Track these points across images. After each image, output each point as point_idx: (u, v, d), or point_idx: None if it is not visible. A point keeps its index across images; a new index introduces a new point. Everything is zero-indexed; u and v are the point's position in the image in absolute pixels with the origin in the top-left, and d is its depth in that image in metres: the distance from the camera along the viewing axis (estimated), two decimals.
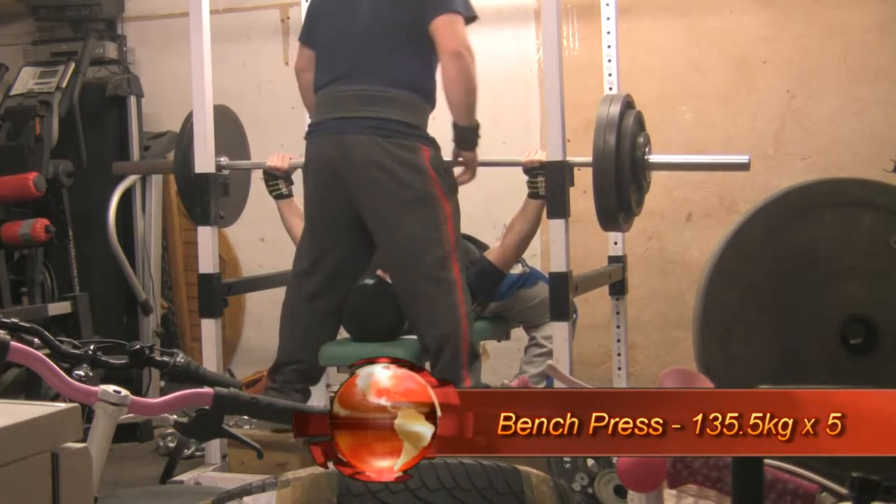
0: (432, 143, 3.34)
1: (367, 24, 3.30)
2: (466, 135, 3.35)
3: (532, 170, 3.42)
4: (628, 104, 3.35)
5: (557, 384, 2.75)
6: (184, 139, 3.79)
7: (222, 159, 3.75)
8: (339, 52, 3.35)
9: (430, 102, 3.38)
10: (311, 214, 3.44)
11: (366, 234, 3.36)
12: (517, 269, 3.86)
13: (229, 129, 3.99)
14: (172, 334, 5.09)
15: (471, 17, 3.32)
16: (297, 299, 3.45)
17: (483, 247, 3.87)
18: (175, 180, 3.81)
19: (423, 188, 3.26)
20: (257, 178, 4.27)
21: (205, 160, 3.63)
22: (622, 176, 3.21)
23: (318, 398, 4.10)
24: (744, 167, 3.34)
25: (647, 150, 3.34)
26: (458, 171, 3.46)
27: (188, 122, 3.74)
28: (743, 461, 1.02)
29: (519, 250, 3.63)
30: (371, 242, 3.39)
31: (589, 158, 3.24)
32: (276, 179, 3.72)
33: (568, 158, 3.23)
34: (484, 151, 4.56)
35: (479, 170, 3.49)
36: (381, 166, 3.23)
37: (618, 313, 4.02)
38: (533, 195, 3.47)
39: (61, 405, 1.22)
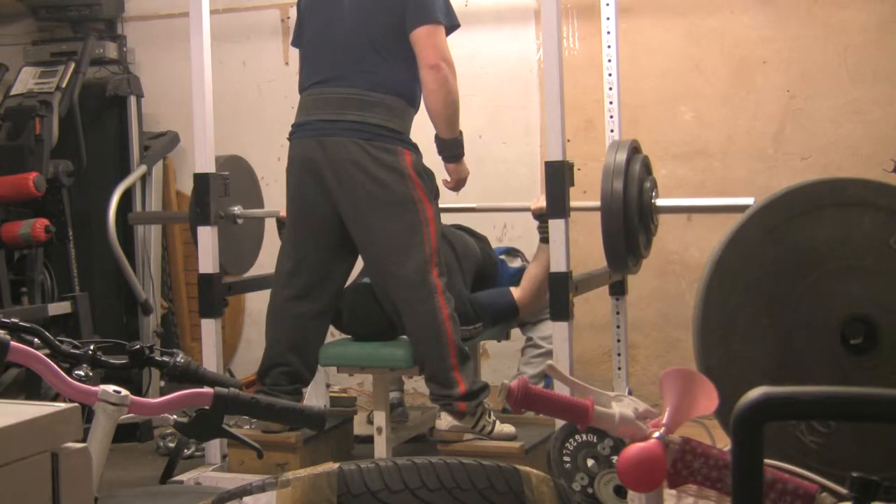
0: (414, 147, 3.34)
1: (352, 27, 3.30)
2: (448, 147, 3.36)
3: (542, 215, 3.44)
4: (635, 149, 3.39)
5: (557, 385, 2.75)
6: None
7: (236, 209, 3.79)
8: (324, 53, 3.35)
9: (414, 106, 3.38)
10: (293, 215, 3.43)
11: (348, 235, 3.35)
12: (517, 264, 3.87)
13: (243, 179, 4.01)
14: (172, 334, 5.09)
15: (453, 26, 3.33)
16: (281, 300, 3.44)
17: (480, 237, 3.86)
18: (191, 231, 3.80)
19: (403, 191, 3.26)
20: (258, 172, 4.27)
21: (205, 160, 3.64)
22: (630, 221, 3.26)
23: (318, 398, 4.11)
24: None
25: (653, 194, 3.39)
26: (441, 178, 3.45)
27: (200, 178, 3.67)
28: (742, 461, 1.02)
29: (537, 296, 3.57)
30: (354, 243, 3.37)
31: (597, 203, 3.27)
32: None
33: (573, 203, 3.25)
34: (484, 151, 4.57)
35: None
36: (362, 168, 3.24)
37: (618, 313, 4.02)
38: (544, 240, 3.48)
39: (61, 405, 1.22)
